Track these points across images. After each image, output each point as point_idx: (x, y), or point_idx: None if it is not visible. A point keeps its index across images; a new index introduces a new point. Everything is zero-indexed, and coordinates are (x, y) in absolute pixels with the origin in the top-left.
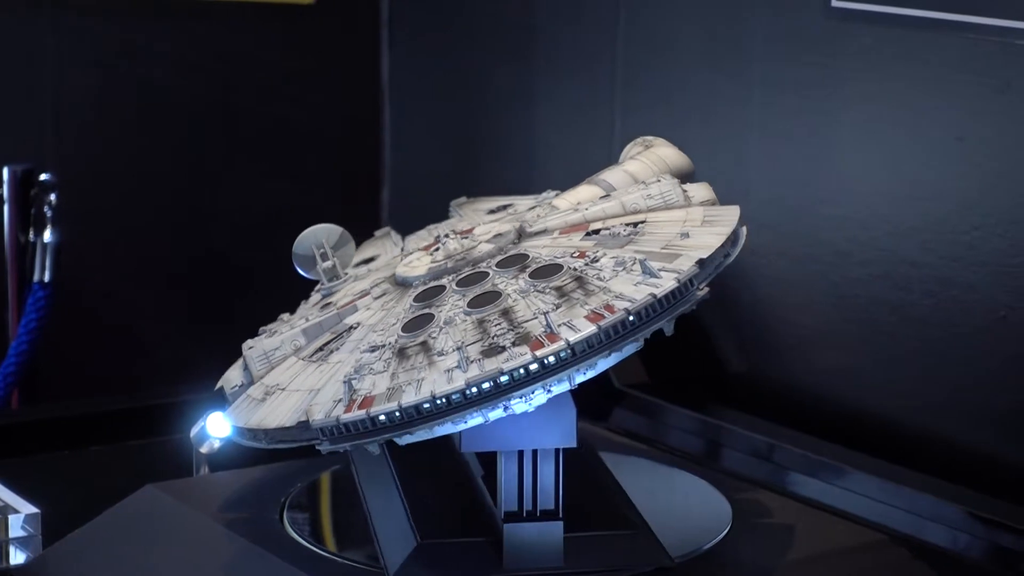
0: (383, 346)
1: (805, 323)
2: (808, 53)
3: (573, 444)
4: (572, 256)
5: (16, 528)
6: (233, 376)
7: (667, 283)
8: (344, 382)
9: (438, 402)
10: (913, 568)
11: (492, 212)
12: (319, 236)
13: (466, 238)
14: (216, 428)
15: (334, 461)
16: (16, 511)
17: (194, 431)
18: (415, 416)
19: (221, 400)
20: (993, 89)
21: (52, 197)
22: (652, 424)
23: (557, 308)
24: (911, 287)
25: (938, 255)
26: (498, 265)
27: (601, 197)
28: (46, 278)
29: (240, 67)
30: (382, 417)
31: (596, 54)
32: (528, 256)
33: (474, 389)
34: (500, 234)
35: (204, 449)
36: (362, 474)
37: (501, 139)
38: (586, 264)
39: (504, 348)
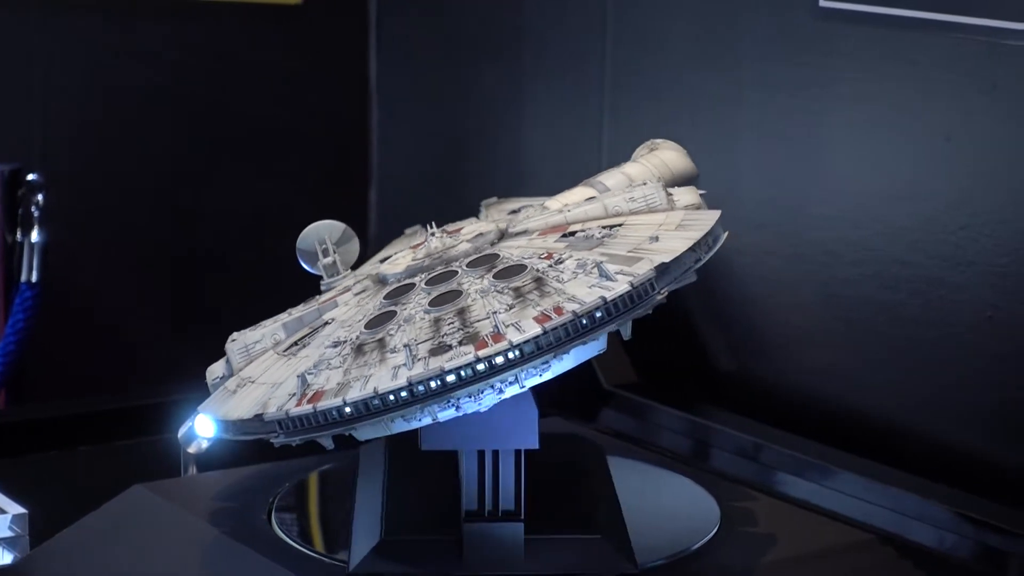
0: (344, 342)
1: (795, 322)
2: (798, 53)
3: (535, 446)
4: (539, 257)
5: (4, 528)
6: (216, 368)
7: (620, 287)
8: (298, 376)
9: (389, 398)
10: (900, 568)
11: (513, 212)
12: (322, 232)
13: (451, 237)
14: (204, 428)
15: (323, 461)
16: (4, 511)
17: (182, 431)
18: (364, 412)
19: None
20: (980, 89)
21: (39, 197)
22: (640, 424)
23: (511, 309)
24: (899, 287)
25: (926, 255)
26: (468, 265)
27: (587, 199)
28: (33, 278)
29: (228, 67)
30: (334, 412)
31: (585, 54)
32: (499, 256)
33: (420, 387)
34: (481, 234)
35: (192, 449)
36: (361, 469)
37: (489, 140)
38: (549, 266)
39: (451, 347)
